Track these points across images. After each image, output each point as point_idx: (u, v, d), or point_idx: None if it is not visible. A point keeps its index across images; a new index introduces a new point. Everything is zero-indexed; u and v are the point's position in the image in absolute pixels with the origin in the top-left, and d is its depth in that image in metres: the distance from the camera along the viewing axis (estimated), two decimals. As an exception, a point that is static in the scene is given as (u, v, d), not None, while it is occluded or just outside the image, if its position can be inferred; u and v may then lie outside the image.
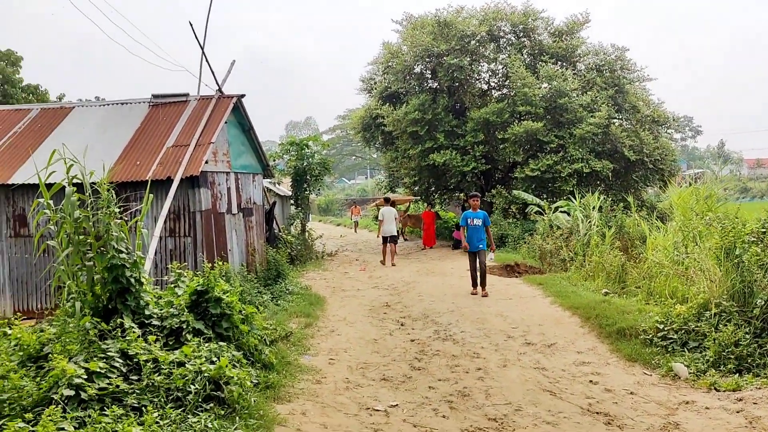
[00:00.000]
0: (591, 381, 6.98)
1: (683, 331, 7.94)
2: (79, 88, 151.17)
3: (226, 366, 5.50)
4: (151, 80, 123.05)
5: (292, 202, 22.92)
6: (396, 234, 19.06)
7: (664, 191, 24.12)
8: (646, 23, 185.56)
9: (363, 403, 6.33)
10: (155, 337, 5.90)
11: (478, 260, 12.08)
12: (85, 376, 4.94)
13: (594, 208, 16.24)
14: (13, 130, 12.98)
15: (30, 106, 14.10)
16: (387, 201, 20.00)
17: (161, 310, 6.62)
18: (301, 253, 18.96)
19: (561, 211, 18.18)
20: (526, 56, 23.57)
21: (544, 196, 21.74)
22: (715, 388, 6.51)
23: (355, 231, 35.85)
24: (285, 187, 25.72)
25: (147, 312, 6.39)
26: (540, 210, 19.41)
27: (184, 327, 6.31)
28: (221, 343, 6.26)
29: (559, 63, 22.98)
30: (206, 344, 6.12)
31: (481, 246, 12.05)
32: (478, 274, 12.09)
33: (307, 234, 21.09)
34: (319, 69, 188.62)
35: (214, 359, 5.77)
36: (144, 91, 14.13)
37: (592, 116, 20.72)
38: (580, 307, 9.82)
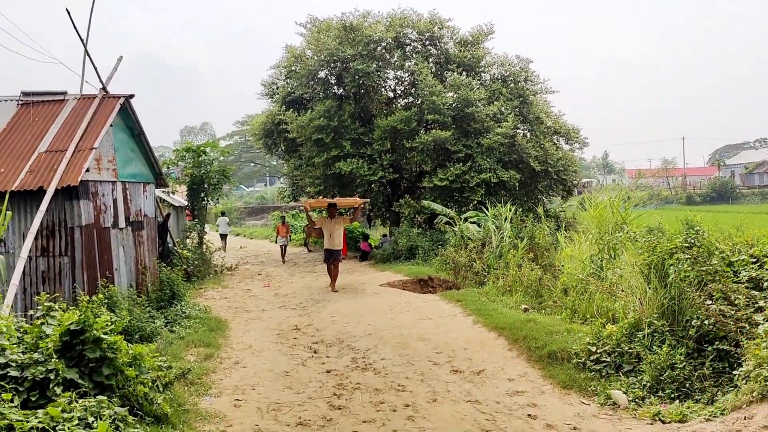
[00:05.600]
0: (529, 415, 6.38)
1: (616, 354, 7.55)
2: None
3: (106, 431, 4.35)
4: (30, 82, 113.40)
5: (188, 212, 21.25)
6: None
7: (565, 201, 24.75)
8: (542, 37, 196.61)
9: (278, 459, 5.35)
10: (11, 394, 4.64)
11: None
12: None
13: (506, 219, 16.00)
14: None
15: None
16: (332, 207, 15.63)
17: (23, 355, 5.31)
18: (199, 268, 17.50)
19: (471, 222, 17.87)
20: (432, 65, 23.26)
21: (452, 206, 21.48)
22: (660, 420, 6.07)
23: (283, 260, 23.21)
24: (180, 197, 23.92)
25: (2, 359, 5.08)
26: (449, 221, 19.04)
27: (52, 378, 5.05)
28: (100, 397, 5.04)
29: (465, 72, 22.82)
30: (81, 400, 4.90)
31: None
32: None
33: (204, 247, 19.59)
34: (216, 74, 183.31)
35: (91, 420, 4.60)
36: (17, 91, 12.20)
37: (499, 126, 20.68)
38: (505, 327, 9.24)
